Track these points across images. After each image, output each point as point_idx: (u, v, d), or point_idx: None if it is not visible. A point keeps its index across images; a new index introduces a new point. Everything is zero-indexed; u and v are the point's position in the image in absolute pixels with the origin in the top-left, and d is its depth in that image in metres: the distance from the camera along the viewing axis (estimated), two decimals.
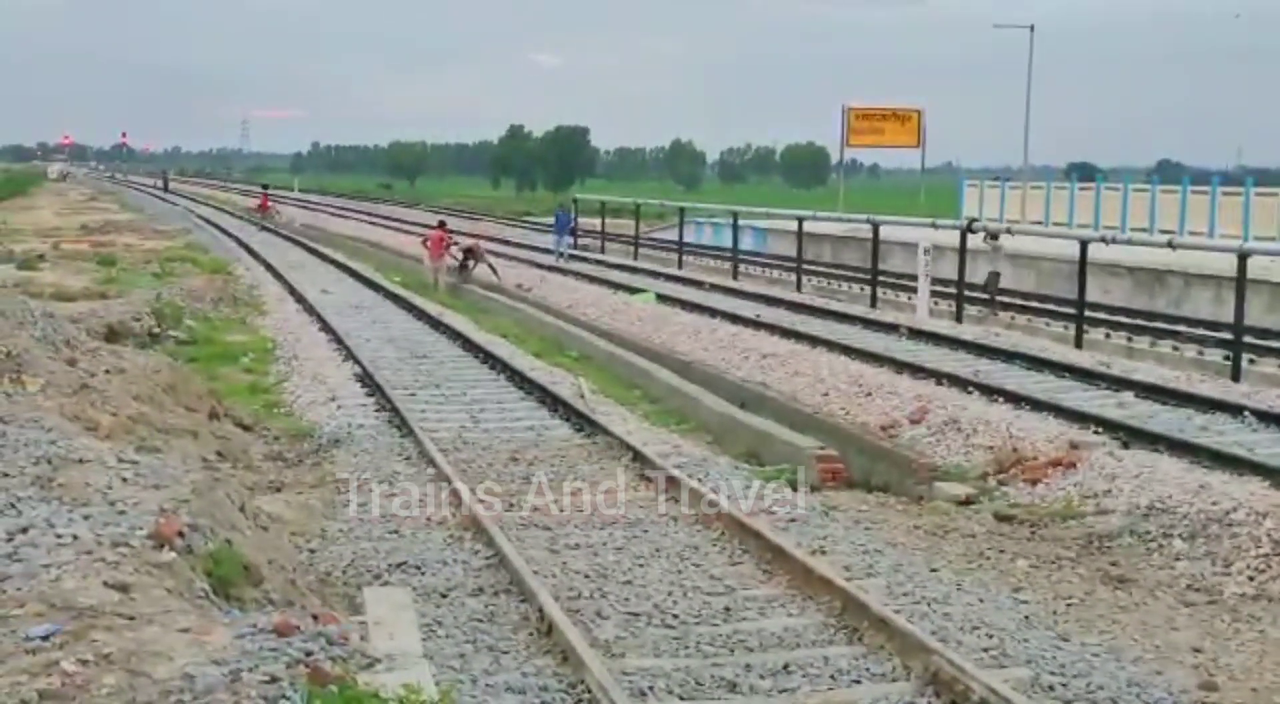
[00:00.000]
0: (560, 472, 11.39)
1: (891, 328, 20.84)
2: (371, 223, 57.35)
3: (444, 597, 7.91)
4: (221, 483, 7.44)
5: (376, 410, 14.35)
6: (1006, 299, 25.70)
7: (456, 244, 30.86)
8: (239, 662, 4.48)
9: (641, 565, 8.66)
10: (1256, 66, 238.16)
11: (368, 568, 8.48)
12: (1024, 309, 25.23)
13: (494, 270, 29.77)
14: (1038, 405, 13.96)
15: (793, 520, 9.80)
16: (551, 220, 42.68)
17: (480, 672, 6.62)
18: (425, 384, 16.21)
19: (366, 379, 16.10)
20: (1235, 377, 16.58)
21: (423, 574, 8.36)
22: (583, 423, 13.46)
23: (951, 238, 24.62)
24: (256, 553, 6.64)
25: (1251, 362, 18.33)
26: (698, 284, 29.02)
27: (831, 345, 18.54)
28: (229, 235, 45.66)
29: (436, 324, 21.91)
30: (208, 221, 54.58)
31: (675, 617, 7.58)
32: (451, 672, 6.53)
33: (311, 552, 8.85)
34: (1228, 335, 18.66)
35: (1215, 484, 10.05)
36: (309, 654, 4.66)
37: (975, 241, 25.09)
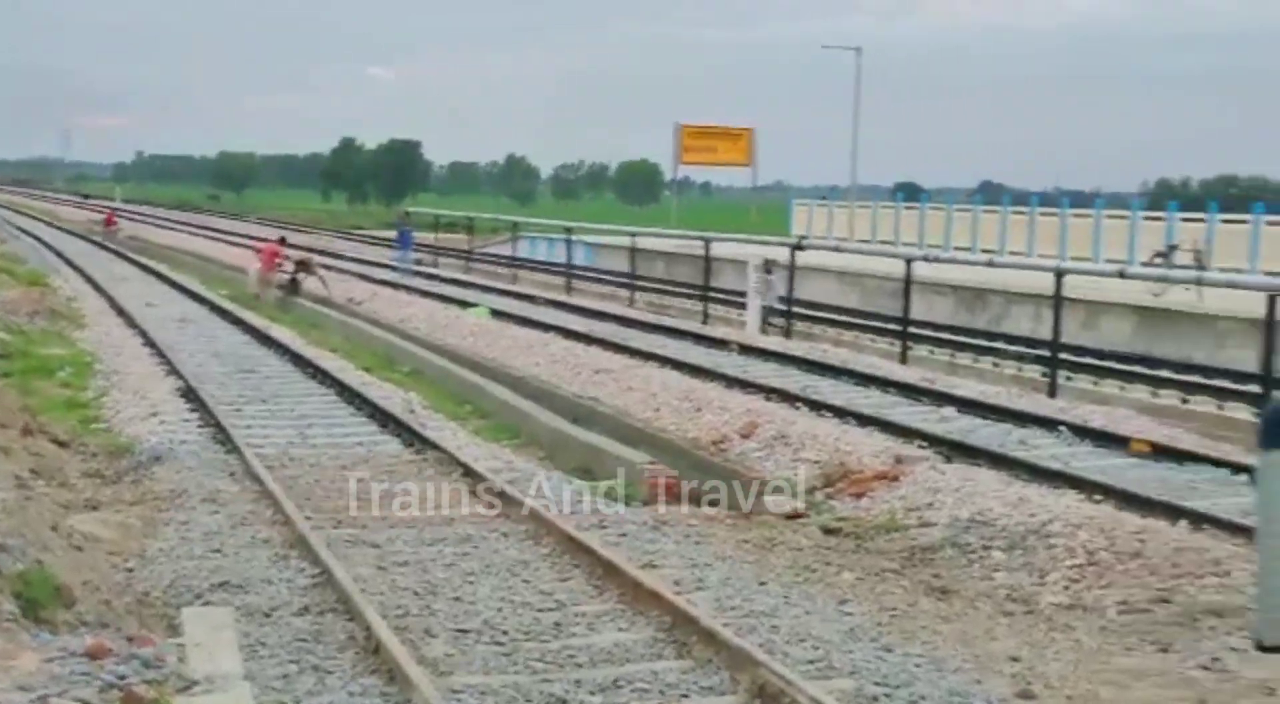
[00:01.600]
0: (390, 488, 11.25)
1: (722, 344, 21.05)
2: (198, 235, 56.11)
3: (268, 616, 7.74)
4: (34, 501, 7.19)
5: (200, 426, 14.01)
6: (835, 317, 26.16)
7: (288, 258, 30.36)
8: (47, 687, 4.32)
9: (471, 582, 8.58)
10: (1076, 93, 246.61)
11: (188, 588, 8.26)
12: (851, 326, 25.72)
13: (325, 284, 29.34)
14: (864, 420, 14.23)
15: (624, 535, 9.82)
16: (390, 234, 42.30)
17: (304, 693, 6.49)
18: (251, 399, 15.89)
19: (190, 394, 15.71)
20: (1052, 392, 17.10)
21: (246, 593, 8.17)
22: (413, 438, 13.31)
23: (780, 255, 24.96)
24: (70, 573, 6.42)
25: (1068, 378, 18.94)
26: (531, 299, 28.99)
27: (663, 360, 18.67)
28: (48, 247, 44.28)
29: (264, 338, 21.49)
30: (25, 232, 52.84)
31: (505, 633, 7.53)
32: (274, 693, 6.38)
33: (129, 571, 8.59)
34: (1045, 352, 19.24)
35: (1033, 497, 10.33)
36: (123, 678, 4.52)
37: (791, 256, 25.48)
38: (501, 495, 10.63)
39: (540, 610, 7.97)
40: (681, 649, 7.22)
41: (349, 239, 56.97)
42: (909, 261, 21.53)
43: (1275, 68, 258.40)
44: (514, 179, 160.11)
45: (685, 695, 6.63)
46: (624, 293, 31.67)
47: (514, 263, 40.25)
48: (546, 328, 22.75)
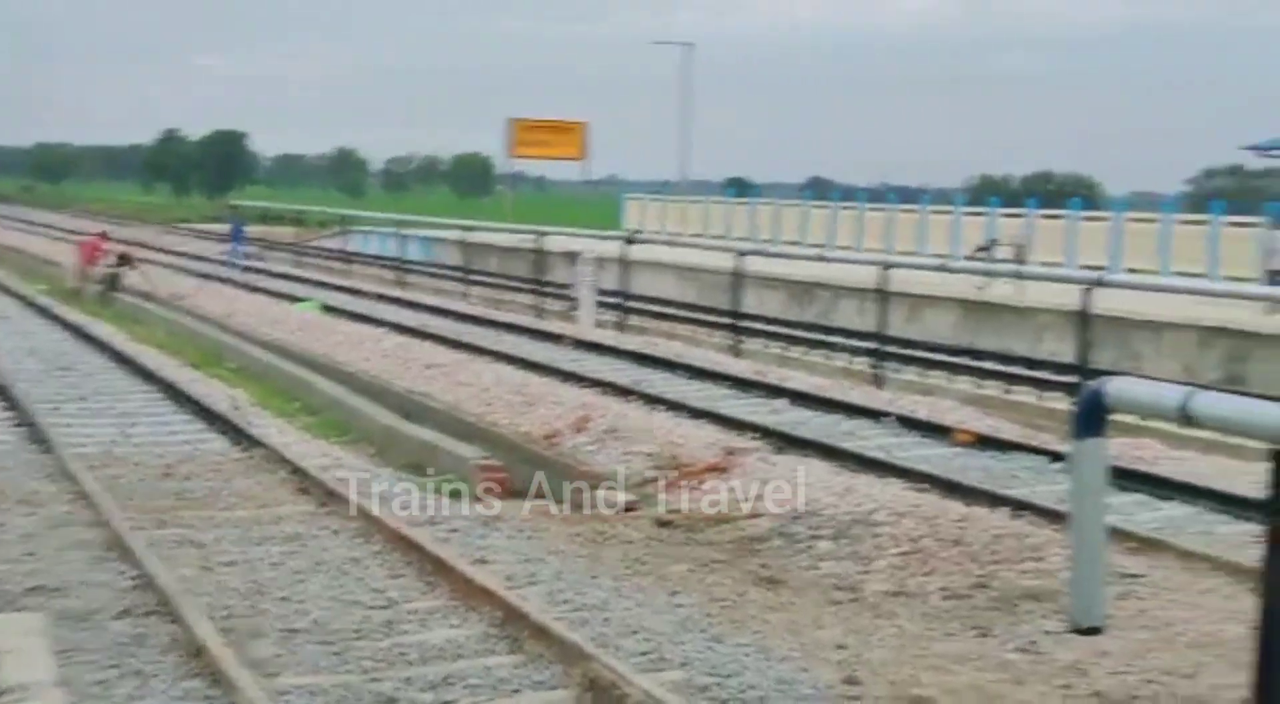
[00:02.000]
0: (215, 487, 11.01)
1: (556, 338, 21.06)
2: (13, 228, 54.25)
3: (85, 621, 7.51)
4: None
5: (14, 425, 13.55)
6: (668, 311, 26.32)
7: (109, 251, 29.52)
8: None
9: (300, 581, 8.44)
10: (903, 91, 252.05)
11: (0, 594, 7.98)
12: (684, 320, 25.93)
13: (148, 278, 28.61)
14: (697, 413, 14.36)
15: (455, 531, 9.75)
16: (215, 227, 41.45)
17: (123, 698, 6.31)
18: (70, 397, 15.42)
19: (2, 392, 15.19)
20: (879, 384, 17.45)
21: (63, 597, 7.92)
22: (240, 436, 13.05)
23: (614, 249, 25.06)
24: None
25: (895, 370, 19.34)
26: (362, 294, 28.65)
27: (497, 355, 18.62)
28: None
29: (84, 335, 20.88)
30: None
31: (335, 632, 7.42)
32: (90, 699, 6.19)
33: None
34: (873, 345, 19.63)
35: (859, 486, 10.53)
36: None
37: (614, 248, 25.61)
38: (330, 493, 10.48)
39: (370, 608, 7.87)
40: (513, 644, 7.21)
41: (173, 232, 55.63)
42: (740, 256, 21.77)
43: (1089, 69, 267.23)
44: (344, 172, 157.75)
45: (517, 691, 6.61)
46: (458, 287, 31.48)
47: (346, 257, 39.73)
48: (378, 323, 22.52)
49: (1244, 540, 9.38)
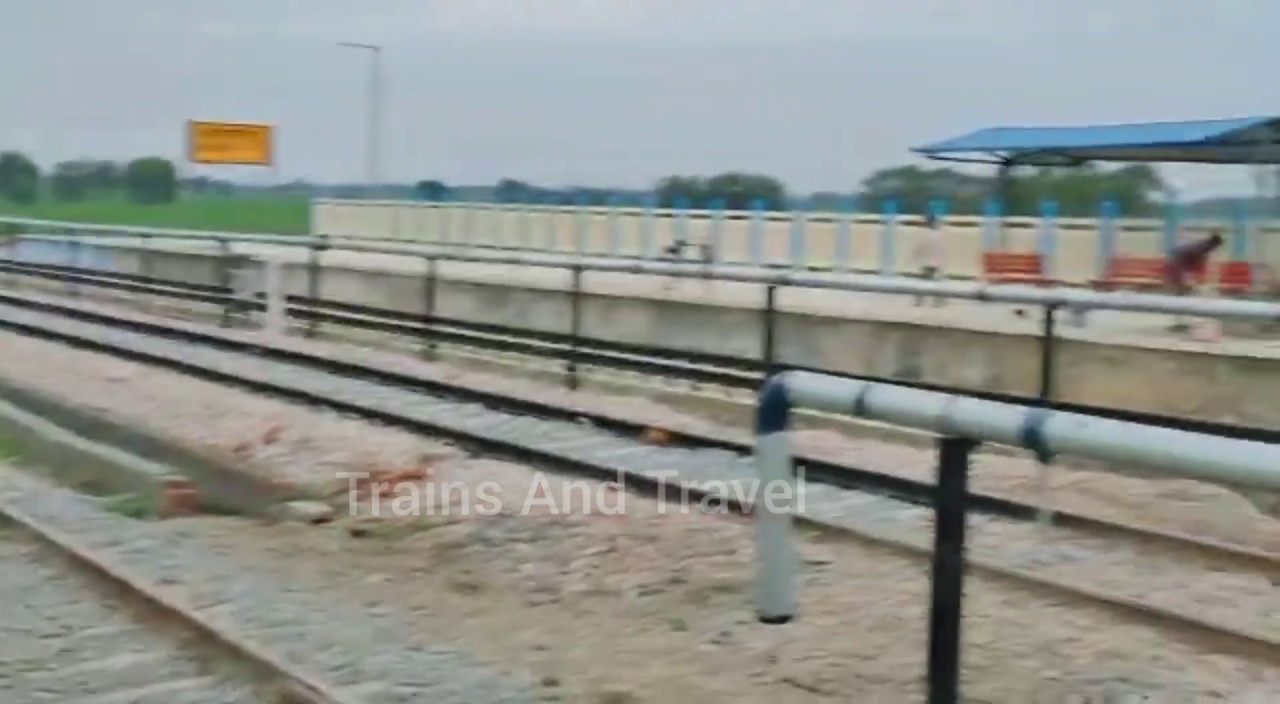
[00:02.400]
0: None
1: (244, 347, 20.50)
2: None
3: None
4: None
5: None
6: (361, 317, 25.94)
7: None
8: None
9: None
10: (588, 95, 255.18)
11: None
12: (377, 325, 25.61)
13: None
14: (391, 420, 14.20)
15: (139, 551, 9.36)
16: None
17: None
18: None
19: None
20: (573, 385, 17.61)
21: None
22: None
23: (303, 255, 24.52)
24: None
25: (588, 370, 19.55)
26: (32, 305, 27.25)
27: (182, 367, 18.02)
28: None
29: None
30: None
31: (4, 664, 7.02)
32: None
33: None
34: (567, 346, 19.79)
35: (555, 488, 10.58)
36: None
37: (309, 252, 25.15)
38: (0, 517, 9.92)
39: (45, 637, 7.48)
40: (203, 665, 6.97)
41: None
42: (431, 260, 21.63)
43: (772, 74, 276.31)
44: (12, 177, 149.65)
45: None
46: (139, 297, 30.30)
47: (17, 267, 37.73)
48: (50, 336, 21.45)
49: (920, 525, 9.86)
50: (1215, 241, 22.55)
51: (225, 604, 8.11)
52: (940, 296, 20.86)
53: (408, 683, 6.71)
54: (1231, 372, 16.80)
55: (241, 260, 25.43)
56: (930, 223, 27.74)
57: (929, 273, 25.42)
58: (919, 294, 21.42)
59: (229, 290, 26.21)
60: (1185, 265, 21.84)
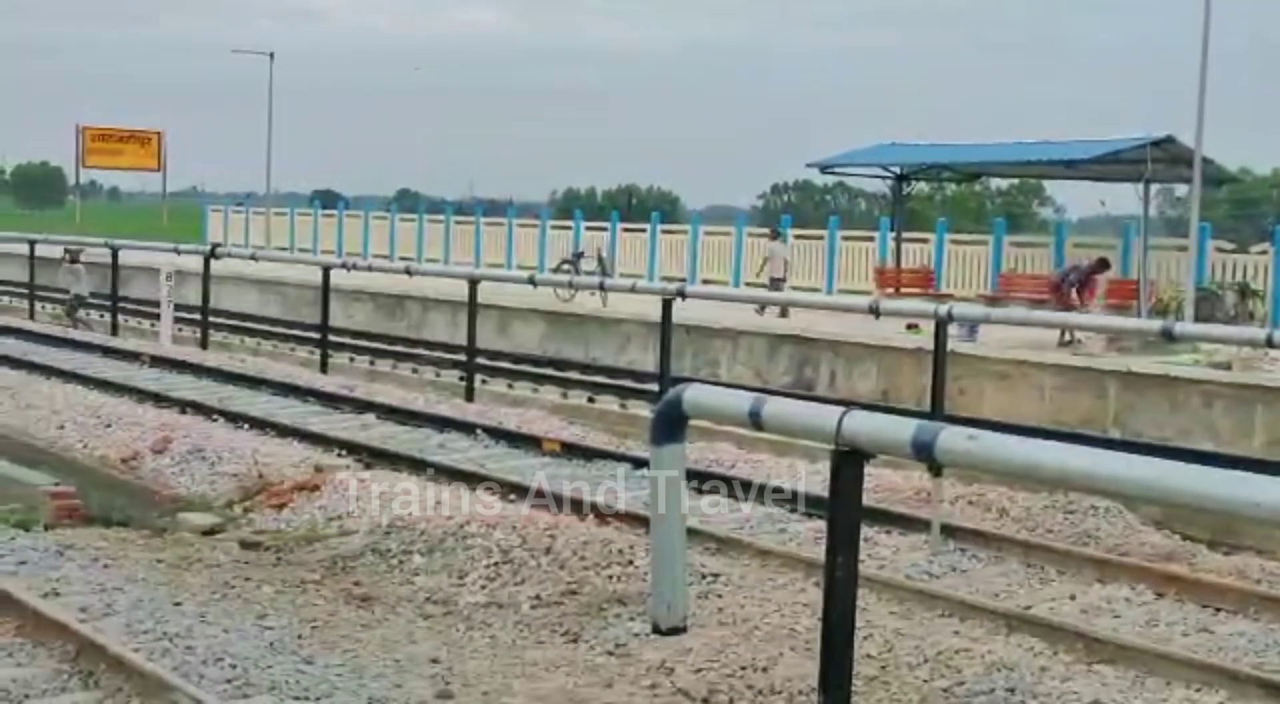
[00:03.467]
0: None
1: (134, 356, 20.15)
2: None
3: None
4: None
5: None
6: (254, 326, 25.62)
7: None
8: None
9: None
10: (488, 105, 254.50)
11: None
12: (270, 335, 25.33)
13: None
14: (284, 431, 14.04)
15: (23, 562, 9.14)
16: None
17: None
18: None
19: None
20: (469, 397, 17.54)
21: None
22: None
23: (195, 263, 24.14)
24: None
25: (483, 381, 19.50)
26: None
27: (69, 375, 17.66)
28: None
29: None
30: None
31: None
32: None
33: None
34: (462, 357, 19.71)
35: (451, 499, 10.56)
36: None
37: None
38: None
39: None
40: (88, 679, 6.84)
41: None
42: (326, 269, 21.42)
43: (665, 87, 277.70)
44: None
45: None
46: (22, 304, 29.65)
47: None
48: None
49: (814, 536, 9.97)
50: (1103, 265, 23.04)
51: (112, 617, 7.96)
52: (831, 309, 21.08)
53: (299, 696, 6.64)
54: (1117, 386, 17.17)
55: (77, 254, 26.10)
56: (776, 236, 28.48)
57: (775, 284, 26.09)
58: (811, 307, 21.63)
59: (118, 298, 25.76)
60: (1075, 287, 22.29)
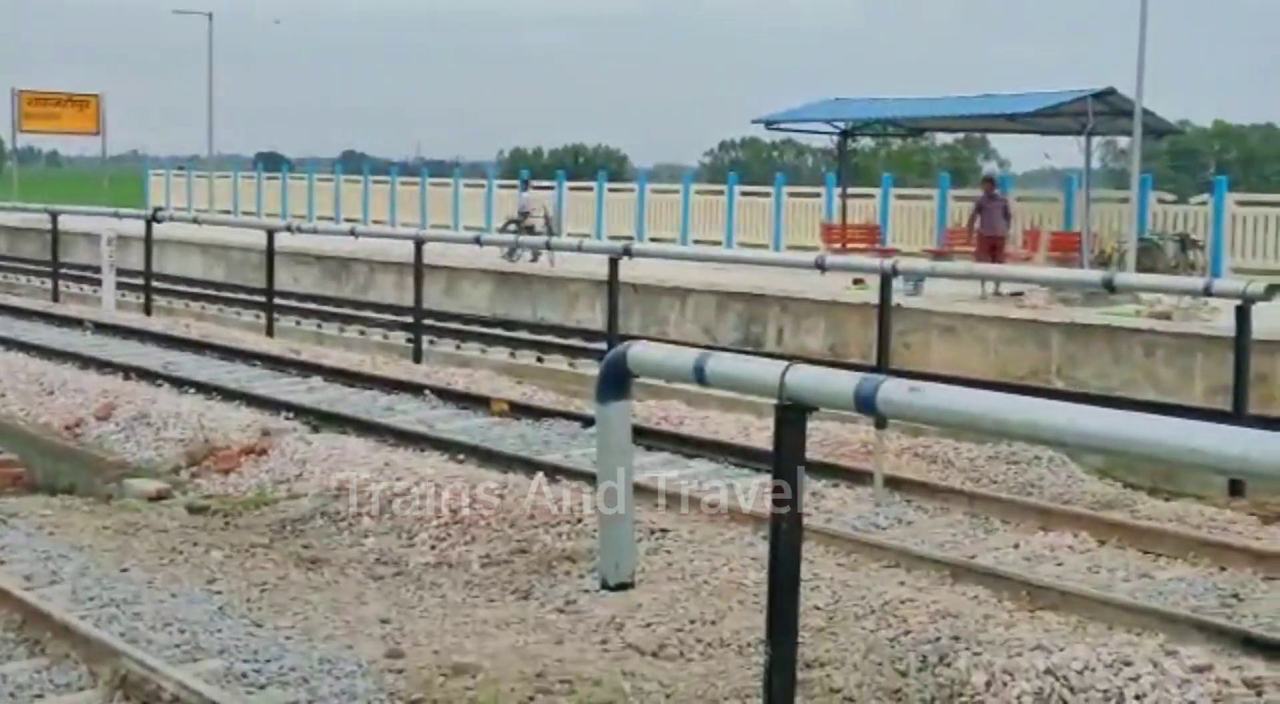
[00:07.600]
0: None
1: (76, 322, 19.96)
2: None
3: None
4: None
5: None
6: (199, 291, 25.42)
7: None
8: None
9: None
10: (432, 65, 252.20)
11: None
12: (215, 299, 25.15)
13: None
14: (230, 395, 13.95)
15: None
16: None
17: None
18: None
19: None
20: (417, 358, 17.49)
21: None
22: None
23: (137, 228, 23.89)
24: None
25: (431, 342, 19.45)
26: None
27: (9, 343, 17.48)
28: None
29: None
30: None
31: None
32: None
33: None
34: (409, 319, 19.64)
35: (399, 461, 10.55)
36: None
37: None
38: None
39: None
40: (34, 647, 6.81)
41: None
42: (271, 232, 21.26)
43: (613, 47, 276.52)
44: None
45: (40, 695, 6.26)
46: None
47: None
48: None
49: (762, 491, 10.01)
50: (989, 183, 24.46)
51: (58, 584, 7.91)
52: (777, 265, 21.10)
53: (249, 660, 6.63)
54: (1061, 338, 17.33)
55: (95, 236, 25.29)
56: (525, 186, 30.55)
57: (527, 232, 26.73)
58: (757, 264, 21.61)
59: (59, 264, 25.48)
60: (972, 219, 23.32)
